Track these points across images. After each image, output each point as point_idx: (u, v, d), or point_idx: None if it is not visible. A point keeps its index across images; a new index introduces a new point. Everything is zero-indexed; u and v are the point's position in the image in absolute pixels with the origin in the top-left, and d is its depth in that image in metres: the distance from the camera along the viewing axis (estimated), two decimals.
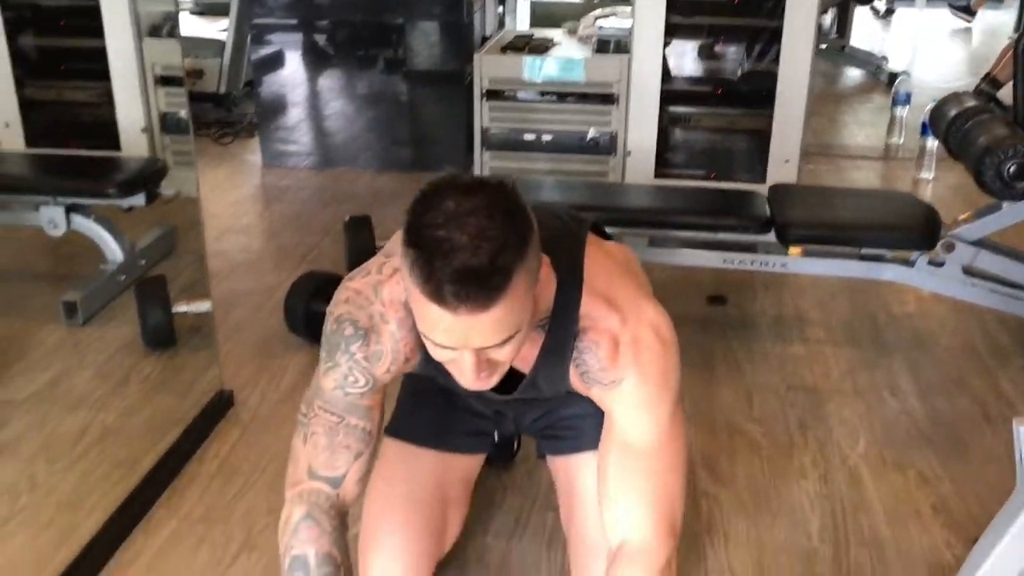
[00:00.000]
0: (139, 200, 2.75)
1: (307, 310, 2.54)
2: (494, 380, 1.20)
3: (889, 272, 2.54)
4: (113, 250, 2.80)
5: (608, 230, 2.62)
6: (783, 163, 3.32)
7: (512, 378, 1.33)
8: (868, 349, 2.61)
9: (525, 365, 1.33)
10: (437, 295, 1.05)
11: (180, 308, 2.51)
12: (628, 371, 1.26)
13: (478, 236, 1.03)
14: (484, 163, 3.55)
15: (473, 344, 1.10)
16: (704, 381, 2.43)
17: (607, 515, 1.32)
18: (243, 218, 3.58)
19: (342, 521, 1.35)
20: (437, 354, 1.15)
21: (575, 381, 1.31)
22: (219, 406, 2.26)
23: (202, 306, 2.48)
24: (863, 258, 2.54)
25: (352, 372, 1.31)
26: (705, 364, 2.51)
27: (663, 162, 3.39)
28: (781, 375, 2.47)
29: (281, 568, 1.30)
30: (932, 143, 3.94)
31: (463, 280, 1.03)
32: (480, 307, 1.05)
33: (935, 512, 1.94)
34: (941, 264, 2.53)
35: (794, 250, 2.55)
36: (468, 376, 1.14)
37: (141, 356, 2.48)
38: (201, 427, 2.18)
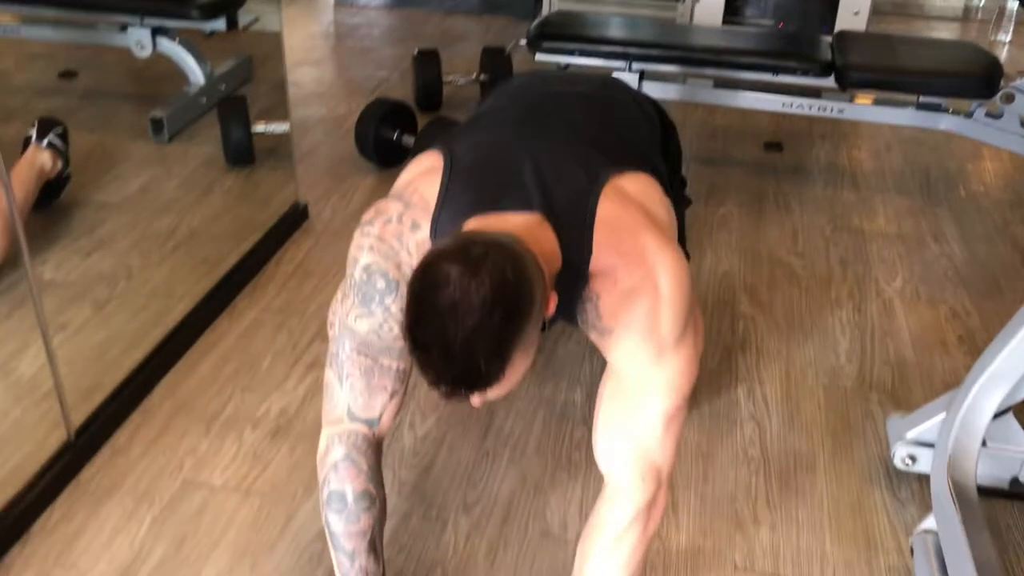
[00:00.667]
0: (220, 24, 2.87)
1: (376, 135, 2.68)
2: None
3: (945, 122, 2.58)
4: (195, 73, 2.94)
5: (670, 69, 2.70)
6: (852, 15, 3.30)
7: None
8: (917, 198, 2.68)
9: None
10: (432, 386, 1.07)
11: (259, 128, 2.66)
12: (619, 322, 1.24)
13: (473, 336, 1.02)
14: (552, 5, 3.58)
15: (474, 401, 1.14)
16: (752, 219, 2.53)
17: (596, 447, 1.31)
18: (315, 52, 3.69)
19: (378, 456, 1.37)
20: None
21: (580, 325, 1.31)
22: (295, 217, 2.43)
23: (280, 127, 2.63)
24: (921, 107, 2.58)
25: (387, 322, 1.30)
26: (755, 204, 2.60)
27: (732, 10, 3.40)
28: (828, 217, 2.56)
29: (320, 496, 1.33)
30: (1013, 4, 3.86)
31: (457, 382, 1.05)
32: (478, 394, 1.09)
33: (960, 342, 2.06)
34: (999, 116, 2.56)
35: (862, 99, 2.59)
36: (474, 403, 1.15)
37: (223, 171, 2.65)
38: (278, 234, 2.36)
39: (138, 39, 2.89)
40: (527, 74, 1.68)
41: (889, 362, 1.99)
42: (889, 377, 1.95)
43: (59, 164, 2.33)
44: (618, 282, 1.23)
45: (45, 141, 2.32)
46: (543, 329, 1.38)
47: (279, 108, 2.65)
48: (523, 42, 2.73)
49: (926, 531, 1.49)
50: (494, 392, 1.10)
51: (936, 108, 2.57)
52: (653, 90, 2.68)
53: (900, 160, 2.91)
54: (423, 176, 1.30)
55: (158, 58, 2.95)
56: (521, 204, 1.23)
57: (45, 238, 2.27)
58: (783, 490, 1.66)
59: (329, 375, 1.34)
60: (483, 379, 1.05)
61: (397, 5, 4.13)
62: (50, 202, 2.36)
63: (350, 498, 1.30)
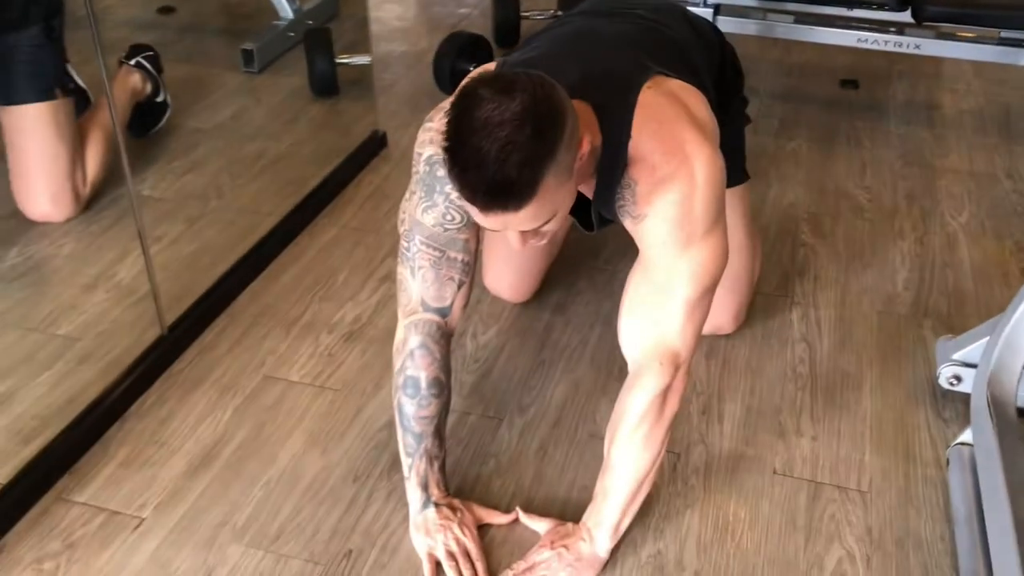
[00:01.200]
0: None
1: (453, 67, 2.76)
2: (545, 240, 1.30)
3: None
4: (284, 8, 3.07)
5: (744, 3, 2.71)
6: None
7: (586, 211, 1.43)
8: (993, 136, 2.65)
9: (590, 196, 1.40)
10: (469, 200, 1.14)
11: (342, 60, 2.77)
12: (652, 208, 1.29)
13: (506, 147, 1.08)
14: None
15: (510, 229, 1.21)
16: (822, 154, 2.54)
17: (620, 331, 1.38)
18: None
19: (448, 347, 1.47)
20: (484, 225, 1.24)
21: (617, 212, 1.35)
22: (374, 144, 2.55)
23: (362, 59, 2.74)
24: (1002, 42, 2.54)
25: (449, 211, 1.38)
26: (825, 139, 2.62)
27: None
28: (899, 152, 2.55)
29: (394, 382, 1.45)
30: None
31: (491, 192, 1.11)
32: (511, 211, 1.14)
33: (1023, 274, 2.06)
34: None
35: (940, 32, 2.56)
36: (515, 245, 1.24)
37: (308, 101, 2.78)
38: (358, 160, 2.48)
39: None
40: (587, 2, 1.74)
41: (947, 292, 2.01)
42: (945, 305, 1.97)
43: (148, 86, 2.49)
44: (655, 169, 1.28)
45: (134, 61, 2.48)
46: (591, 229, 1.48)
47: (363, 42, 2.77)
48: None
49: (962, 444, 1.54)
50: (529, 219, 1.15)
51: (1018, 43, 2.53)
52: (728, 25, 2.70)
53: (980, 98, 2.87)
54: (477, 73, 1.37)
55: None
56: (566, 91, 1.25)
57: (144, 159, 2.43)
58: (828, 405, 1.72)
59: (401, 271, 1.45)
60: (515, 191, 1.11)
61: None
62: (147, 130, 2.52)
63: (423, 384, 1.43)
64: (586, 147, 1.21)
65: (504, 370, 1.80)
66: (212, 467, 1.58)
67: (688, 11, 1.70)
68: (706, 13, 2.66)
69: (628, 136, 1.29)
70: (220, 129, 2.62)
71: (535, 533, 1.46)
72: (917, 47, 2.61)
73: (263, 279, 2.04)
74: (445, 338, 1.45)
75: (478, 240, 1.46)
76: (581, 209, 1.41)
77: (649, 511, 1.51)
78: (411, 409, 1.43)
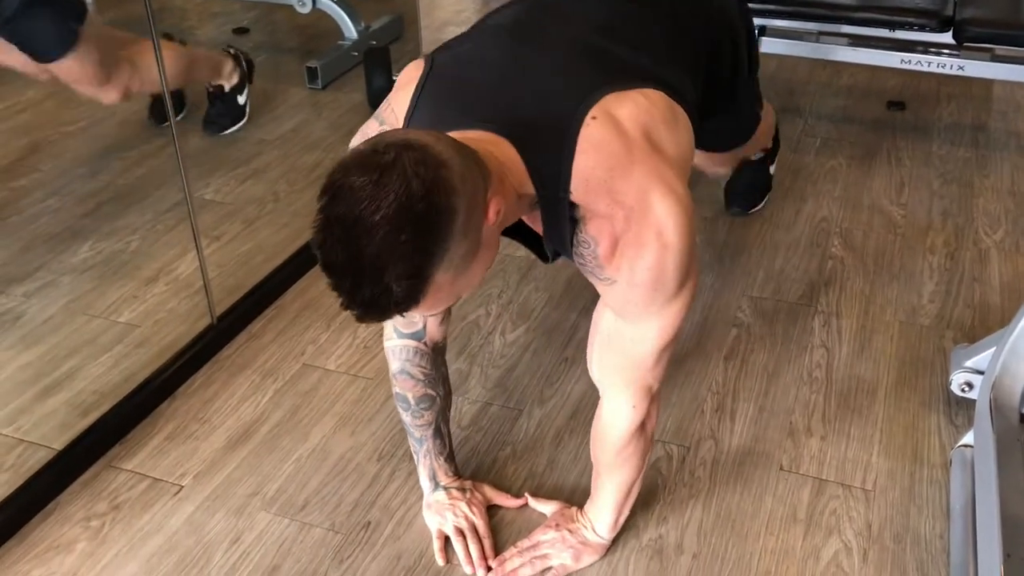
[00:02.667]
0: None
1: None
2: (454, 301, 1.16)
3: None
4: (349, 28, 3.23)
5: (787, 24, 2.76)
6: None
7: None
8: None
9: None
10: (347, 311, 1.01)
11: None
12: (621, 275, 1.18)
13: (380, 258, 0.95)
14: None
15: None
16: (861, 172, 2.58)
17: (592, 371, 1.37)
18: (463, 14, 3.92)
19: (434, 359, 1.46)
20: None
21: (579, 267, 1.24)
22: None
23: None
24: None
25: None
26: (866, 158, 2.65)
27: None
28: (939, 171, 2.57)
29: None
30: None
31: (372, 307, 0.99)
32: (399, 315, 1.02)
33: None
34: None
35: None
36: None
37: (366, 116, 2.89)
38: None
39: None
40: None
41: (972, 305, 2.03)
42: (969, 318, 1.99)
43: (235, 77, 2.72)
44: (616, 228, 1.14)
45: (233, 50, 2.75)
46: (548, 260, 1.36)
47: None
48: None
49: (965, 446, 1.57)
50: (425, 311, 1.04)
51: None
52: (770, 46, 2.77)
53: None
54: (398, 91, 1.26)
55: (319, 15, 3.26)
56: (483, 123, 1.13)
57: (209, 166, 2.60)
58: (840, 408, 1.77)
59: None
60: (398, 303, 0.98)
61: None
62: (220, 128, 2.76)
63: (412, 401, 1.49)
64: (494, 212, 1.04)
65: (528, 365, 1.89)
66: (249, 443, 1.71)
67: None
68: None
69: (566, 192, 1.13)
70: (282, 140, 2.78)
71: (542, 515, 1.54)
72: (960, 68, 2.64)
73: (310, 276, 2.17)
74: (426, 357, 1.46)
75: None
76: (535, 239, 1.32)
77: (653, 499, 1.58)
78: (407, 419, 1.52)
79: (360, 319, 1.01)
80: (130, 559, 1.49)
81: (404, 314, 1.02)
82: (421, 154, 0.96)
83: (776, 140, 2.33)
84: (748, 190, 2.36)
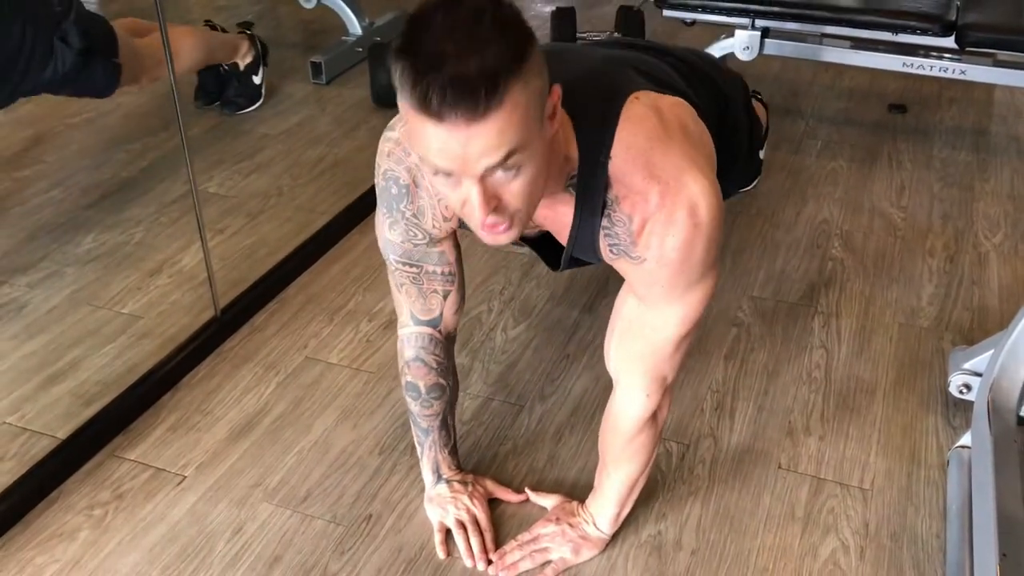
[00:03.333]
0: None
1: None
2: (513, 232, 1.10)
3: None
4: (353, 24, 3.24)
5: (791, 27, 2.77)
6: None
7: (556, 250, 1.34)
8: None
9: (562, 234, 1.28)
10: (425, 104, 0.97)
11: None
12: (651, 252, 1.18)
13: (466, 43, 0.96)
14: None
15: (473, 165, 1.00)
16: (862, 174, 2.59)
17: (609, 359, 1.38)
18: None
19: (447, 347, 1.49)
20: (441, 189, 1.08)
21: (604, 250, 1.24)
22: None
23: None
24: None
25: (410, 228, 1.35)
26: (867, 160, 2.66)
27: None
28: (940, 175, 2.59)
29: (401, 382, 1.52)
30: None
31: (451, 86, 0.95)
32: (471, 115, 0.97)
33: None
34: None
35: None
36: (478, 214, 1.05)
37: (369, 111, 2.93)
38: None
39: None
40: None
41: (971, 307, 2.05)
42: (968, 321, 2.01)
43: (250, 57, 2.80)
44: (650, 204, 1.16)
45: (249, 32, 2.81)
46: (557, 268, 1.39)
47: None
48: None
49: (962, 447, 1.59)
50: (493, 139, 0.98)
51: None
52: (774, 48, 2.78)
53: None
54: None
55: (324, 10, 3.27)
56: None
57: (213, 160, 2.61)
58: (839, 408, 1.78)
59: (392, 286, 1.46)
60: (479, 87, 0.95)
61: None
62: (237, 108, 2.84)
63: (423, 390, 1.50)
64: (555, 99, 1.07)
65: (530, 362, 1.90)
66: (251, 435, 1.72)
67: (712, 66, 1.66)
68: (755, 36, 2.74)
69: (607, 156, 1.16)
70: (286, 134, 2.79)
71: (543, 509, 1.56)
72: (963, 72, 2.65)
73: (313, 271, 2.18)
74: (440, 345, 1.48)
75: (457, 246, 1.41)
76: (546, 246, 1.40)
77: (653, 496, 1.59)
78: (416, 408, 1.53)
79: (442, 116, 0.97)
80: (132, 548, 1.50)
81: (485, 114, 0.97)
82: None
83: (766, 129, 2.35)
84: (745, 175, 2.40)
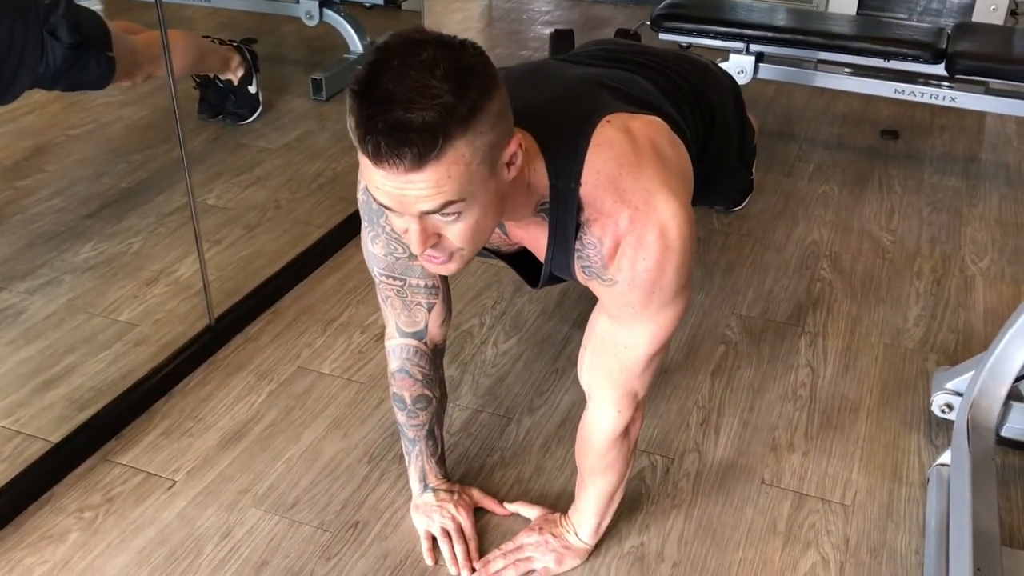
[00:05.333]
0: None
1: None
2: (452, 267, 1.13)
3: None
4: (355, 42, 3.28)
5: (784, 52, 2.81)
6: (990, 11, 3.31)
7: (534, 265, 1.36)
8: None
9: (540, 252, 1.30)
10: (364, 146, 0.98)
11: None
12: (624, 274, 1.19)
13: (415, 93, 0.95)
14: None
15: (411, 208, 1.02)
16: (852, 198, 2.62)
17: (581, 375, 1.39)
18: (468, 32, 3.98)
19: (433, 359, 1.51)
20: (390, 219, 1.10)
21: (577, 271, 1.25)
22: None
23: None
24: None
25: (390, 242, 1.36)
26: (858, 184, 2.70)
27: (865, 4, 3.46)
28: (929, 199, 2.62)
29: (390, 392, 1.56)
30: None
31: (391, 133, 0.95)
32: (406, 168, 0.97)
33: None
34: None
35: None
36: (414, 245, 1.06)
37: None
38: None
39: (308, 10, 3.26)
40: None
41: (956, 330, 2.08)
42: (953, 342, 2.04)
43: (241, 70, 2.85)
44: (620, 227, 1.17)
45: (236, 43, 2.86)
46: (536, 285, 1.40)
47: None
48: (648, 23, 2.92)
49: (942, 464, 1.61)
50: (430, 188, 0.99)
51: None
52: (768, 72, 2.83)
53: (1018, 154, 2.92)
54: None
55: (326, 28, 3.32)
56: None
57: (213, 172, 2.64)
58: (823, 426, 1.80)
59: (379, 299, 1.49)
60: (416, 138, 0.95)
61: None
62: (241, 118, 2.90)
63: (408, 400, 1.53)
64: (516, 144, 1.07)
65: (520, 375, 1.92)
66: (242, 442, 1.74)
67: (702, 75, 1.66)
68: (748, 60, 2.78)
69: (577, 182, 1.17)
70: (285, 149, 2.82)
71: (527, 520, 1.57)
72: (953, 100, 2.69)
73: (308, 282, 2.21)
74: (425, 357, 1.50)
75: None
76: (524, 263, 1.42)
77: (637, 508, 1.61)
78: (403, 419, 1.55)
79: (379, 157, 0.97)
80: (122, 550, 1.52)
81: (421, 165, 0.97)
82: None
83: (754, 150, 2.39)
84: (736, 191, 2.44)
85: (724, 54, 2.82)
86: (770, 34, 2.74)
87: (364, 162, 1.01)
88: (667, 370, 1.93)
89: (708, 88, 1.61)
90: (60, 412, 1.77)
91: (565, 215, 1.20)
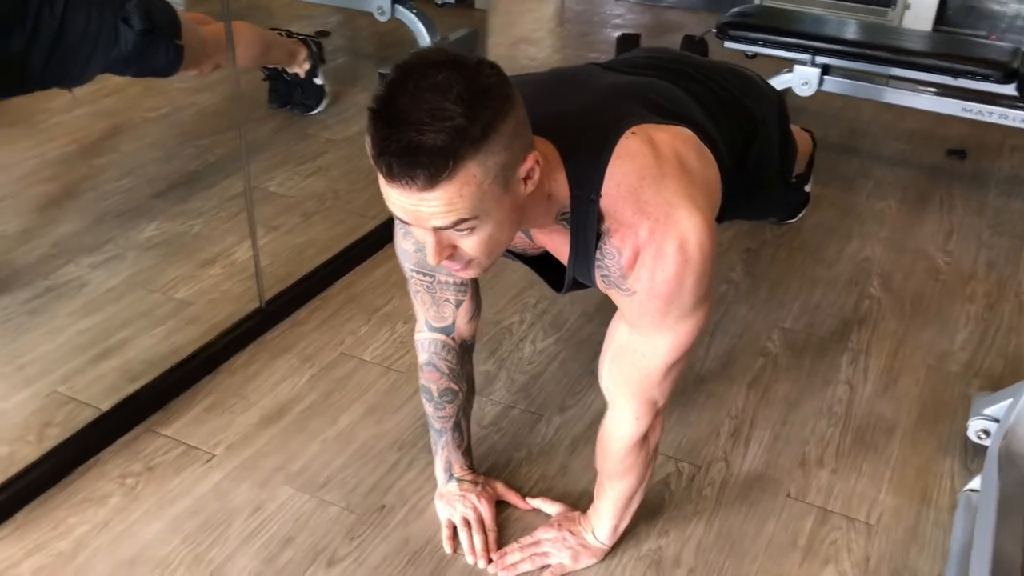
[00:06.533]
0: None
1: None
2: (470, 272, 1.17)
3: None
4: (425, 38, 3.33)
5: (850, 65, 2.77)
6: None
7: (559, 269, 1.37)
8: None
9: (563, 257, 1.31)
10: (379, 165, 1.02)
11: None
12: (640, 284, 1.20)
13: (428, 115, 0.98)
14: (764, 3, 3.72)
15: (425, 223, 1.06)
16: (910, 216, 2.58)
17: (602, 381, 1.41)
18: (537, 32, 4.02)
19: (461, 354, 1.55)
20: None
21: (597, 279, 1.26)
22: None
23: None
24: None
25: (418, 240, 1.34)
26: (918, 203, 2.65)
27: (943, 19, 3.39)
28: (991, 222, 2.57)
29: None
30: None
31: (404, 155, 0.99)
32: (418, 188, 1.01)
33: None
34: None
35: None
36: (430, 256, 1.10)
37: None
38: None
39: (379, 5, 3.32)
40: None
41: (1005, 355, 2.03)
42: (1000, 368, 2.00)
43: (307, 64, 2.91)
44: (639, 238, 1.18)
45: (302, 37, 2.93)
46: (560, 290, 1.41)
47: None
48: (713, 30, 2.91)
49: (971, 490, 1.58)
50: (442, 207, 1.02)
51: None
52: (833, 86, 2.80)
53: None
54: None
55: (397, 24, 3.38)
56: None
57: (277, 160, 2.72)
58: (855, 443, 1.79)
59: (410, 293, 1.53)
60: (428, 160, 0.99)
61: None
62: (308, 108, 2.98)
63: (435, 393, 1.57)
64: (532, 161, 1.10)
65: (555, 374, 1.95)
66: (281, 421, 1.80)
67: (745, 87, 1.65)
68: (814, 72, 2.76)
69: (598, 193, 1.18)
70: (348, 141, 2.89)
71: (548, 516, 1.60)
72: (1023, 121, 2.63)
73: (357, 272, 2.27)
74: (453, 351, 1.54)
75: None
76: (549, 267, 1.42)
77: (658, 512, 1.62)
78: (430, 410, 1.59)
79: (392, 176, 1.02)
80: (157, 517, 1.59)
81: (433, 185, 1.01)
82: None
83: (810, 164, 2.37)
84: (784, 206, 2.42)
85: (789, 64, 2.80)
86: (836, 47, 2.71)
87: (379, 177, 1.05)
88: (702, 379, 1.94)
89: (751, 101, 1.60)
90: (112, 382, 1.85)
91: (585, 225, 1.21)
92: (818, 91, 2.79)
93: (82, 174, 2.60)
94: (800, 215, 2.45)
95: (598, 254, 1.23)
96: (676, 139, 1.24)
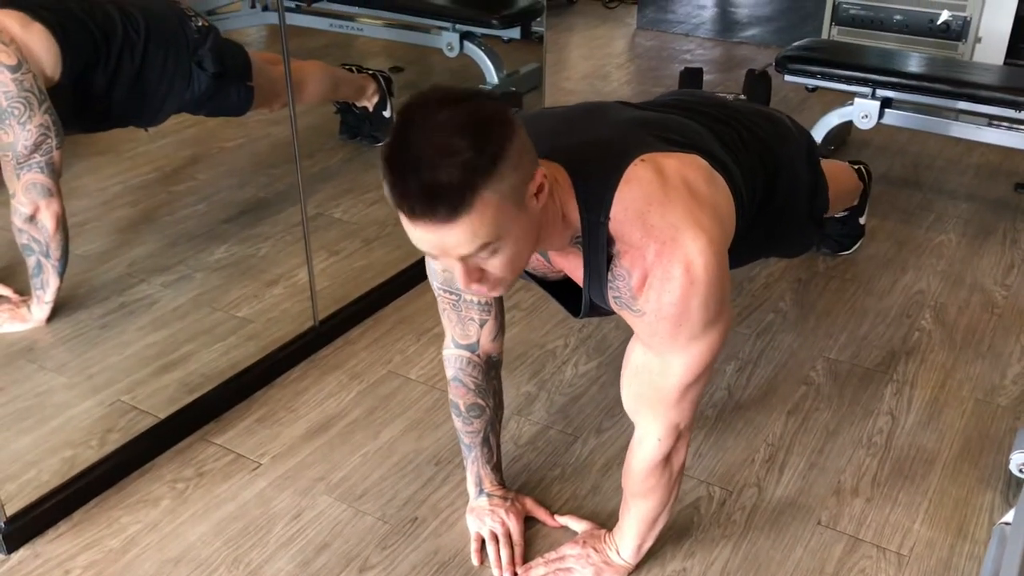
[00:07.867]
0: (515, 33, 3.36)
1: None
2: (497, 291, 1.22)
3: None
4: (491, 73, 3.43)
5: (911, 98, 2.75)
6: None
7: (577, 293, 1.41)
8: None
9: (580, 279, 1.36)
10: (399, 207, 1.07)
11: None
12: (651, 305, 1.24)
13: (439, 152, 1.03)
14: (832, 37, 3.71)
15: (451, 253, 1.11)
16: (970, 249, 2.54)
17: (624, 402, 1.43)
18: (605, 68, 4.08)
19: (486, 370, 1.60)
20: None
21: (610, 301, 1.31)
22: None
23: None
24: None
25: None
26: (979, 236, 2.61)
27: (1015, 52, 3.34)
28: None
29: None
30: None
31: (422, 195, 1.04)
32: (440, 223, 1.06)
33: None
34: None
35: None
36: (460, 282, 1.15)
37: None
38: None
39: (448, 41, 3.44)
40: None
41: None
42: None
43: (376, 97, 3.04)
44: (647, 260, 1.22)
45: (372, 71, 3.07)
46: (578, 315, 1.47)
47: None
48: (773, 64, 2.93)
49: (1006, 523, 1.55)
50: (465, 237, 1.07)
51: None
52: (894, 118, 2.78)
53: None
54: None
55: (467, 60, 3.49)
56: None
57: (343, 188, 2.84)
58: (893, 474, 1.77)
59: (438, 308, 1.59)
60: (446, 197, 1.04)
61: (690, 32, 4.43)
62: (375, 140, 3.08)
63: (462, 408, 1.62)
64: (541, 176, 1.15)
65: (594, 397, 1.98)
66: (326, 434, 1.87)
67: (781, 127, 1.70)
68: (873, 106, 2.75)
69: (607, 216, 1.23)
70: None
71: (575, 533, 1.63)
72: None
73: (409, 295, 2.35)
74: (478, 368, 1.59)
75: None
76: (569, 292, 1.47)
77: (685, 534, 1.64)
78: (459, 424, 1.65)
79: (415, 217, 1.06)
80: (203, 520, 1.67)
81: (454, 220, 1.05)
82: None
83: (864, 196, 2.36)
84: (838, 237, 2.45)
85: (850, 97, 2.80)
86: (896, 79, 2.70)
87: (404, 220, 1.10)
88: (740, 405, 1.95)
89: (777, 141, 1.63)
90: (172, 393, 1.96)
91: (596, 247, 1.26)
92: (881, 125, 2.78)
93: (161, 200, 2.75)
94: (856, 247, 2.46)
95: (609, 275, 1.28)
96: (685, 165, 1.29)
